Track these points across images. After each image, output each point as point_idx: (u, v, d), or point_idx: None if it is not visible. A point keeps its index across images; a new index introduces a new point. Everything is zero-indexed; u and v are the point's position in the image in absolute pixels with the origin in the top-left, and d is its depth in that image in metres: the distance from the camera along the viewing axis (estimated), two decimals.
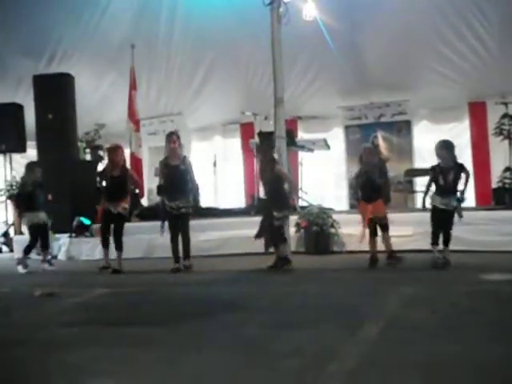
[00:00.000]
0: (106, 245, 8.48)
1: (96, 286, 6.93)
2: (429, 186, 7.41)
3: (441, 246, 7.23)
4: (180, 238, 8.00)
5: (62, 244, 10.64)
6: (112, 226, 8.36)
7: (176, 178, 7.95)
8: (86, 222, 10.85)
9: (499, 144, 11.40)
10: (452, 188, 7.21)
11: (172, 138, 8.08)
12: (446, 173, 7.20)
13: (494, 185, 11.60)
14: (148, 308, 5.47)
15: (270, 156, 7.66)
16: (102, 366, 3.55)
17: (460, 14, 11.41)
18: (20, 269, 8.79)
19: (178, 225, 7.97)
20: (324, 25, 10.17)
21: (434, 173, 7.31)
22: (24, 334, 4.52)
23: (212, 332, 4.26)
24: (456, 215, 7.20)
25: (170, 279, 7.49)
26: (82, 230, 10.79)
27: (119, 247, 8.30)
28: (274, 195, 7.52)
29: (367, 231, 7.63)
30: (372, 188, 7.61)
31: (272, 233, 7.48)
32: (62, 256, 10.54)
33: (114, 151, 8.48)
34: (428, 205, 7.35)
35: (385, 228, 7.57)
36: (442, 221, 7.27)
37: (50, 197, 8.87)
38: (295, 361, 3.38)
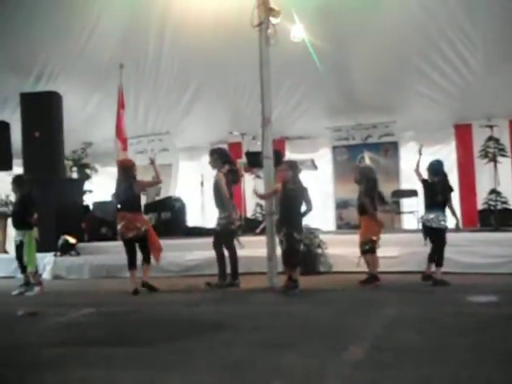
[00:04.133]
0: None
1: (81, 305, 6.87)
2: None
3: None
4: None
5: (46, 263, 10.53)
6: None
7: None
8: (72, 240, 10.77)
9: (484, 166, 11.49)
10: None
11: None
12: None
13: (480, 207, 11.67)
14: (133, 328, 5.43)
15: (297, 177, 7.69)
16: None
17: (446, 38, 11.53)
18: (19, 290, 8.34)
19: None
20: (312, 46, 10.24)
21: None
22: (8, 353, 4.46)
23: (198, 352, 4.23)
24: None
25: (156, 298, 7.44)
26: (67, 249, 10.69)
27: (144, 259, 8.05)
28: (294, 216, 7.51)
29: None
30: (358, 205, 7.98)
31: (291, 254, 7.45)
32: (46, 275, 10.42)
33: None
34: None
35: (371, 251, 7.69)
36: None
37: (35, 216, 8.65)
38: (281, 381, 3.36)
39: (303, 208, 7.59)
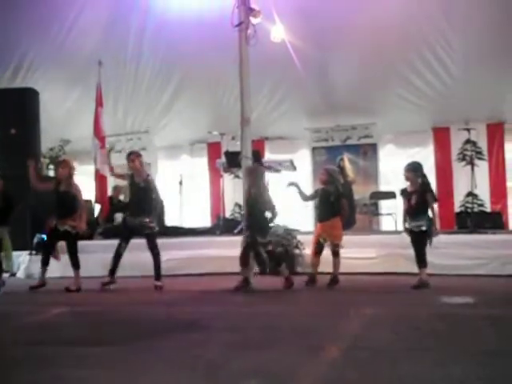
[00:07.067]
0: (45, 262, 8.28)
1: (55, 304, 6.78)
2: (404, 209, 7.56)
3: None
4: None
5: (21, 262, 10.38)
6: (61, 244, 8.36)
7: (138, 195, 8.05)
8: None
9: (462, 169, 11.58)
10: (417, 210, 7.30)
11: (129, 157, 8.23)
12: (411, 195, 7.33)
13: (457, 209, 11.76)
14: (107, 327, 5.36)
15: (262, 181, 7.70)
16: None
17: (426, 42, 11.64)
18: None
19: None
20: (292, 47, 10.24)
21: (403, 196, 7.47)
22: None
23: (172, 352, 4.18)
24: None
25: (130, 298, 7.37)
26: (42, 248, 10.54)
27: (73, 265, 8.18)
28: (256, 220, 7.56)
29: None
30: (322, 207, 7.79)
31: (264, 258, 7.59)
32: (21, 274, 10.28)
33: (59, 166, 8.59)
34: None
35: (335, 254, 7.65)
36: (412, 242, 7.37)
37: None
38: (256, 381, 3.33)
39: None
